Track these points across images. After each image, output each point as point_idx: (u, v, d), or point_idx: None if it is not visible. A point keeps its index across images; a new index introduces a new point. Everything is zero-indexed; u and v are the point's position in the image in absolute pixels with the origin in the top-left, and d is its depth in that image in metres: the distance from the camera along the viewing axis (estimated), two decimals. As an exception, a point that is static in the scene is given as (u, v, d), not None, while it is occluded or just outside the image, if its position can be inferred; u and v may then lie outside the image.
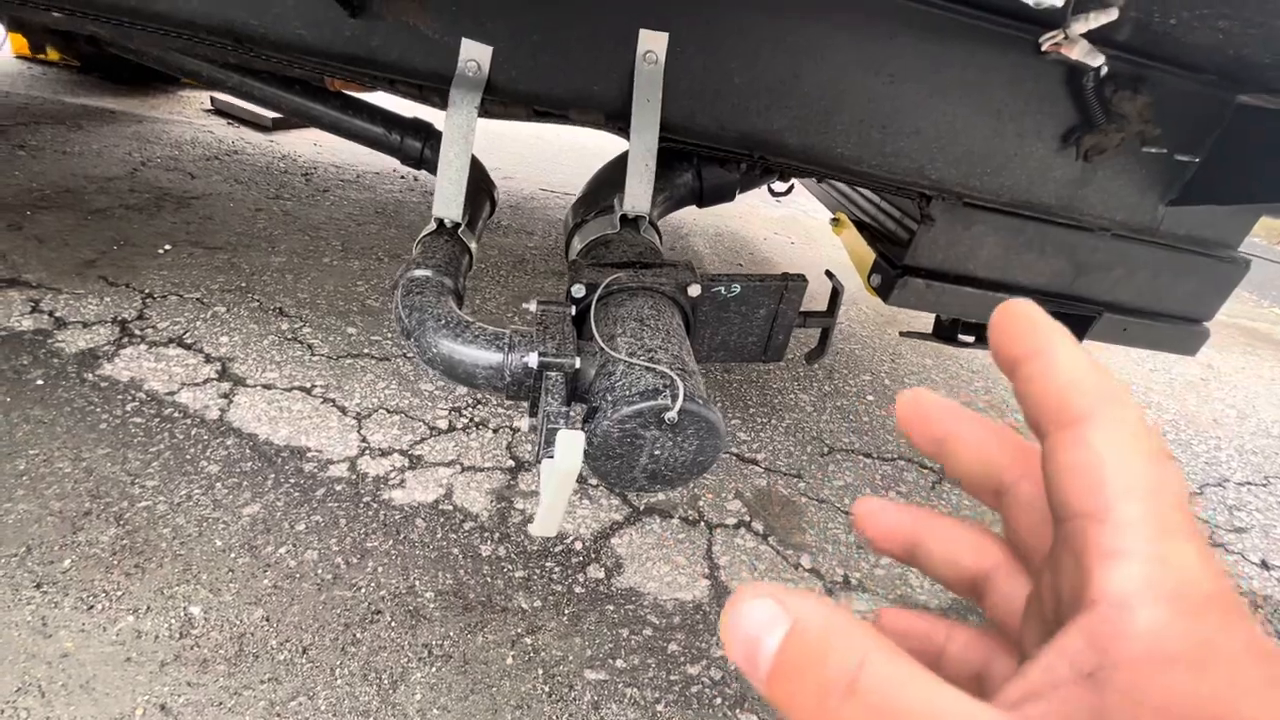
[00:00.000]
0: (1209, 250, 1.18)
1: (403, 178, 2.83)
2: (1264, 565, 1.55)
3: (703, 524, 1.30)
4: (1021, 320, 0.21)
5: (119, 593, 0.94)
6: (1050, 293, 1.17)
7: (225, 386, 1.37)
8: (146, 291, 1.61)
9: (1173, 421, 2.21)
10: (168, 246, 1.84)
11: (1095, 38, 0.77)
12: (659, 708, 0.95)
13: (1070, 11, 0.66)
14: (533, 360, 0.72)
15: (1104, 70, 0.88)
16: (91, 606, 0.92)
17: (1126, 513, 0.18)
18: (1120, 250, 1.15)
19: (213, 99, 3.30)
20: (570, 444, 0.61)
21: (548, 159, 3.73)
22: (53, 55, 3.32)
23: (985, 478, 0.25)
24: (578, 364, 0.72)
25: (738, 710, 0.97)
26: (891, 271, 1.12)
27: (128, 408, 1.26)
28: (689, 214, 3.21)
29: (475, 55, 0.86)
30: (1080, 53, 0.74)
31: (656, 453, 0.71)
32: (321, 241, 2.08)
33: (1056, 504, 0.19)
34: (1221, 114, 1.02)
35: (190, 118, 3.11)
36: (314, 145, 3.03)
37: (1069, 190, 1.08)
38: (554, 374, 0.72)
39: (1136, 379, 2.49)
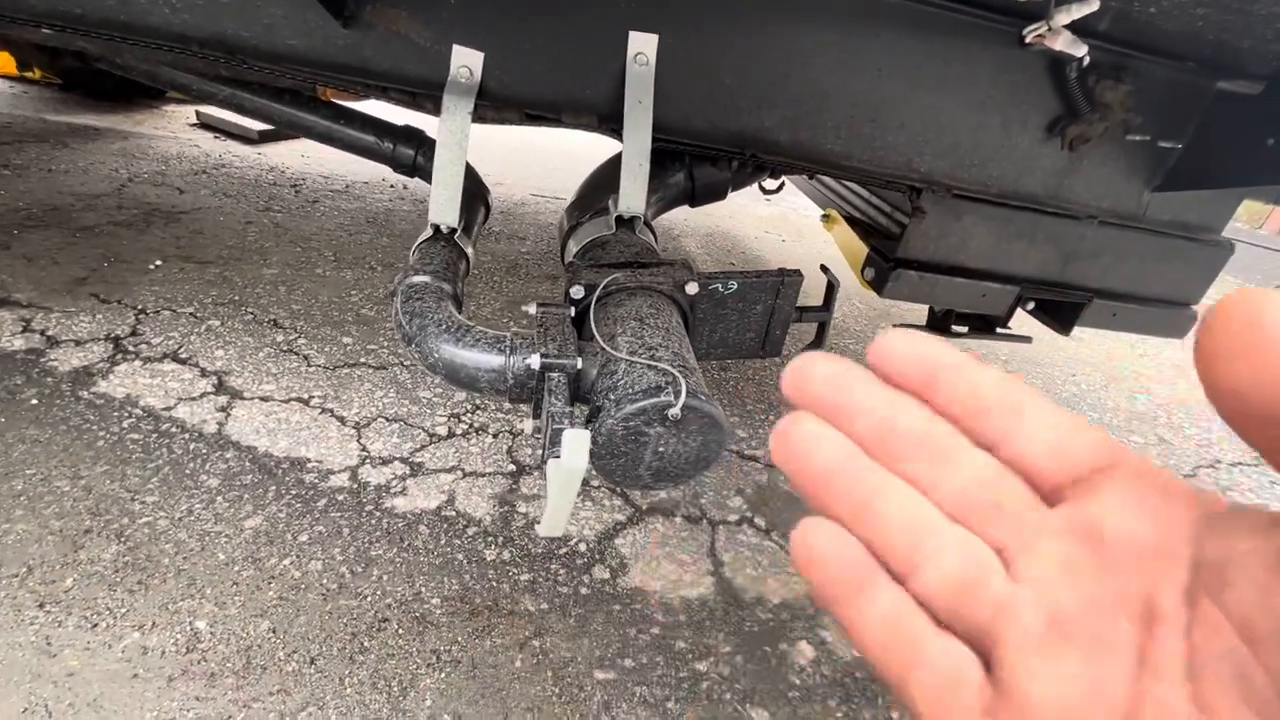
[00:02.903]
0: (1194, 235, 1.20)
1: (392, 186, 2.83)
2: (1258, 544, 1.57)
3: (705, 521, 1.30)
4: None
5: (123, 610, 0.94)
6: (1041, 280, 1.19)
7: (222, 400, 1.36)
8: (139, 307, 1.61)
9: (1165, 405, 2.23)
10: (159, 262, 1.83)
11: (1077, 28, 0.78)
12: (669, 705, 0.96)
13: (1053, 3, 0.68)
14: (535, 362, 0.72)
15: (1086, 61, 0.90)
16: (96, 624, 0.91)
17: None
18: (1108, 237, 1.16)
19: (198, 113, 3.29)
20: (576, 443, 0.61)
21: (538, 164, 3.74)
22: (36, 74, 3.29)
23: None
24: (580, 364, 0.73)
25: (747, 704, 0.98)
26: (885, 265, 1.14)
27: (124, 424, 1.25)
28: (680, 215, 3.23)
29: (467, 61, 0.87)
30: (1063, 43, 0.76)
31: (661, 449, 0.71)
32: (314, 252, 2.07)
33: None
34: (1201, 101, 1.04)
35: (176, 132, 3.09)
36: (302, 157, 3.02)
37: (1056, 180, 1.10)
38: (556, 375, 0.72)
39: (1127, 363, 2.53)
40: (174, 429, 1.27)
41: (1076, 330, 1.25)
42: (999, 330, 1.32)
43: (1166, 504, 0.20)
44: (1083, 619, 0.20)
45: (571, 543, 1.19)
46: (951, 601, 0.22)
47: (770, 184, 1.44)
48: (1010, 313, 1.22)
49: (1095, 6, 0.68)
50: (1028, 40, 0.76)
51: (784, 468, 0.24)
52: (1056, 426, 0.22)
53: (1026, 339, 1.35)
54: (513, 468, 1.34)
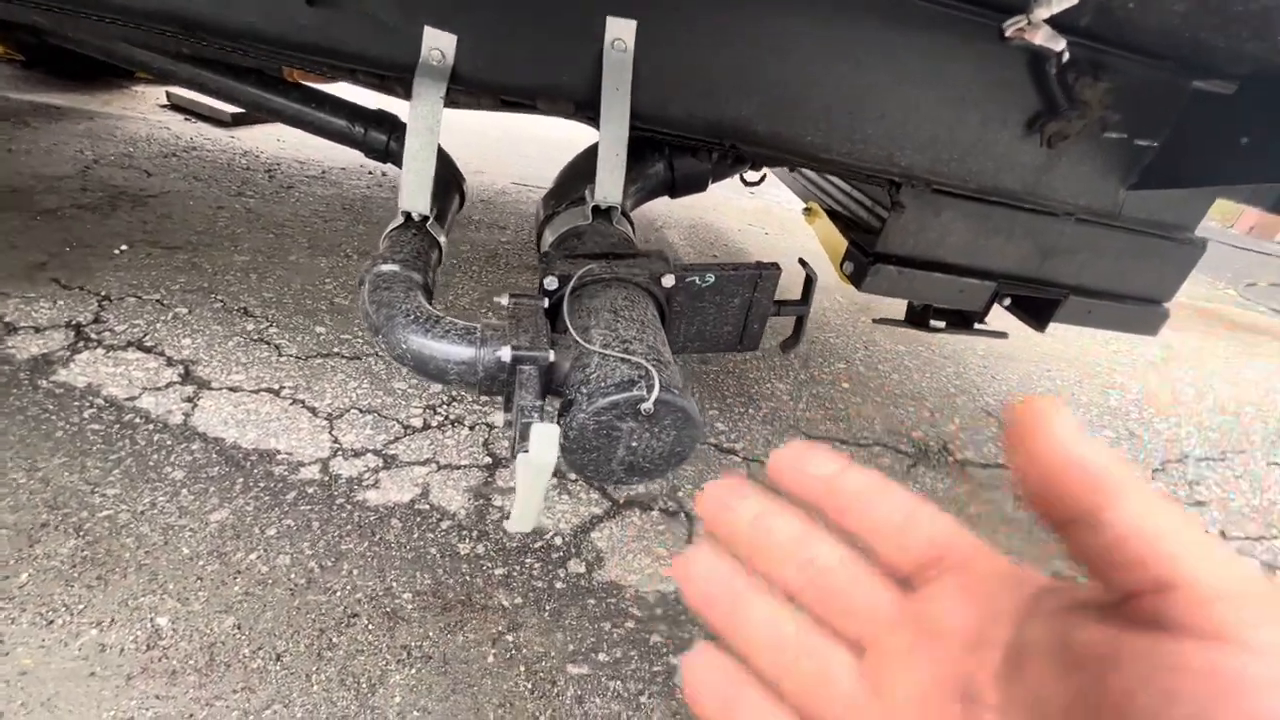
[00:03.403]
0: (1168, 233, 1.22)
1: (370, 173, 2.78)
2: (1223, 536, 1.61)
3: (683, 515, 1.30)
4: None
5: (81, 606, 0.91)
6: (1018, 276, 1.19)
7: (189, 390, 1.33)
8: (102, 294, 1.55)
9: (1136, 401, 2.27)
10: (124, 247, 1.77)
11: (1057, 23, 0.78)
12: (642, 699, 0.95)
13: (1033, -4, 0.67)
14: (506, 354, 0.71)
15: (1065, 57, 0.89)
16: (51, 621, 0.88)
17: None
18: (1084, 234, 1.17)
19: (169, 94, 3.19)
20: (545, 437, 0.60)
21: (518, 152, 3.69)
22: (-5, 49, 3.17)
23: None
24: (552, 357, 0.71)
25: (721, 698, 0.98)
26: (864, 259, 1.13)
27: (85, 414, 1.21)
28: (663, 207, 3.21)
29: (439, 44, 0.84)
30: (1043, 38, 0.75)
31: (634, 444, 0.70)
32: (287, 239, 2.02)
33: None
34: (1178, 100, 1.04)
35: (145, 113, 3.00)
36: (278, 141, 2.95)
37: (1034, 176, 1.10)
38: (528, 368, 0.70)
39: (1101, 359, 2.57)
40: (137, 419, 1.23)
41: (1051, 326, 1.26)
42: (975, 326, 1.33)
43: (992, 590, 0.23)
44: (915, 707, 0.22)
45: (547, 536, 1.18)
46: (811, 704, 0.24)
47: (752, 176, 1.43)
48: (987, 308, 1.23)
49: (1075, 1, 0.68)
50: (1007, 34, 0.76)
51: (682, 592, 0.27)
52: (900, 520, 0.25)
53: (1002, 335, 1.35)
54: (489, 461, 1.32)
